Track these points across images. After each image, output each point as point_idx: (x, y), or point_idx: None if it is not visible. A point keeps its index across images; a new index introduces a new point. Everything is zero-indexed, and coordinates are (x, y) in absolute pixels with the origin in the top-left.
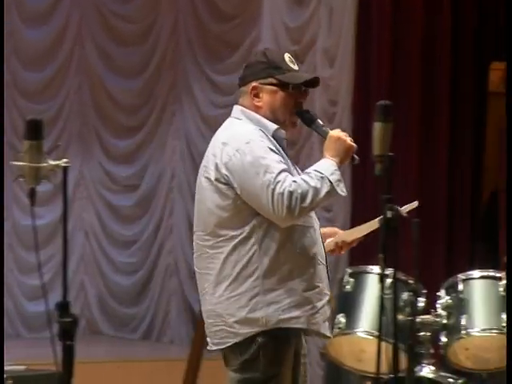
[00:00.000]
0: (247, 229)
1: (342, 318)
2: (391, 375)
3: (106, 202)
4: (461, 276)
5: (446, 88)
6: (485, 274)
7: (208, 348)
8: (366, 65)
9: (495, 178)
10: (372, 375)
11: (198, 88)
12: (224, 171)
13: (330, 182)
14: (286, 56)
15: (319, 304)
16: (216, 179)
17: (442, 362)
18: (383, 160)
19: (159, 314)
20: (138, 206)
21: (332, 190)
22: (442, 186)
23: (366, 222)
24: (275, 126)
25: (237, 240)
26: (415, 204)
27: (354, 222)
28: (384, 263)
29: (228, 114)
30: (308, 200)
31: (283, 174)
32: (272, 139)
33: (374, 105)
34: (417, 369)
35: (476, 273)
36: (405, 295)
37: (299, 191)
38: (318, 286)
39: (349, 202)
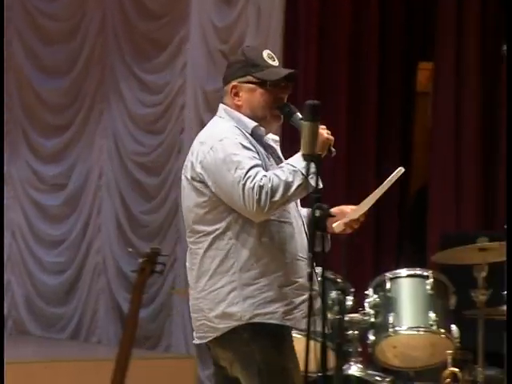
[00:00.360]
0: (223, 224)
1: None
2: (319, 374)
3: (33, 202)
4: (388, 275)
5: (374, 87)
6: (412, 272)
7: (193, 342)
8: (293, 63)
9: (422, 175)
10: (300, 373)
11: (126, 87)
12: (199, 170)
13: (302, 174)
14: (265, 53)
15: (297, 300)
16: (192, 178)
17: (370, 360)
18: (312, 159)
19: (87, 313)
20: (66, 205)
21: (305, 183)
22: (371, 185)
23: None
24: (254, 124)
25: (213, 235)
26: (401, 170)
27: None
28: (312, 262)
29: (156, 113)
30: (278, 194)
31: (254, 170)
32: (249, 136)
33: (302, 104)
34: (345, 367)
35: (403, 271)
36: (333, 294)
37: (269, 185)
38: (297, 282)
39: None
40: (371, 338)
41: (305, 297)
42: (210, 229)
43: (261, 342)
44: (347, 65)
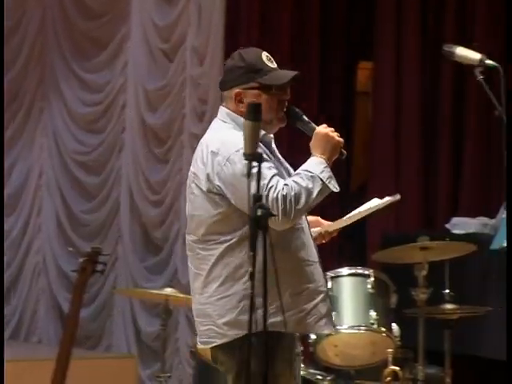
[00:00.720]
0: (239, 234)
1: None
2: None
3: None
4: (329, 273)
5: (315, 86)
6: (353, 271)
7: (197, 345)
8: None
9: (363, 174)
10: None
11: (66, 85)
12: (216, 182)
13: (321, 180)
14: (264, 55)
15: (309, 306)
16: (208, 190)
17: (312, 359)
18: (253, 159)
19: (27, 313)
20: (6, 204)
21: (324, 188)
22: None
23: None
24: (262, 132)
25: (228, 244)
26: (397, 197)
27: None
28: (254, 261)
29: (97, 113)
30: (302, 201)
31: (275, 179)
32: (261, 145)
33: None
34: None
35: (344, 270)
36: None
37: (292, 194)
38: (308, 288)
39: None
40: (312, 337)
41: (317, 300)
42: (224, 238)
43: (263, 348)
44: (288, 66)
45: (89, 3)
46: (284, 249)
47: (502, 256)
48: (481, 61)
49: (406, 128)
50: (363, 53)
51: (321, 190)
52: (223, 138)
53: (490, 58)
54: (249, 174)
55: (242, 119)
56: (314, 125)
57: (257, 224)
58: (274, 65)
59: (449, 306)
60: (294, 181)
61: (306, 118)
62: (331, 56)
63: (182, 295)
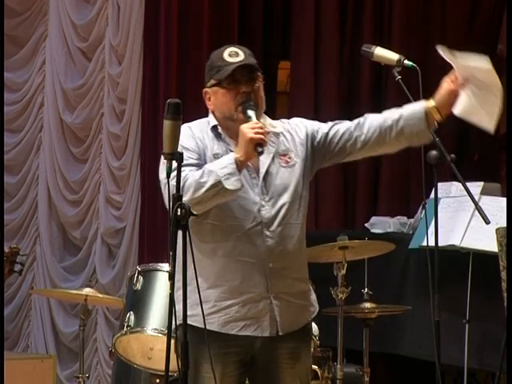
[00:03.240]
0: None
1: (131, 317)
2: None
3: None
4: None
5: None
6: None
7: None
8: (154, 62)
9: None
10: (161, 373)
11: None
12: None
13: (217, 175)
14: (227, 51)
15: (223, 304)
16: None
17: None
18: (173, 158)
19: None
20: None
21: (218, 184)
22: None
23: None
24: (212, 124)
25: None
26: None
27: (143, 219)
28: (174, 261)
29: (15, 112)
30: (189, 193)
31: (187, 169)
32: (206, 136)
33: (163, 102)
34: None
35: None
36: None
37: (183, 184)
38: (224, 286)
39: (138, 198)
40: None
41: (232, 301)
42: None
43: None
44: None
45: (7, 2)
46: (205, 243)
47: (421, 255)
48: (399, 61)
49: None
50: (284, 52)
51: (213, 184)
52: None
53: (408, 58)
54: (168, 174)
55: (209, 117)
56: (251, 119)
57: (177, 224)
58: (237, 58)
59: (367, 305)
60: (192, 172)
61: (249, 113)
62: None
63: (100, 295)
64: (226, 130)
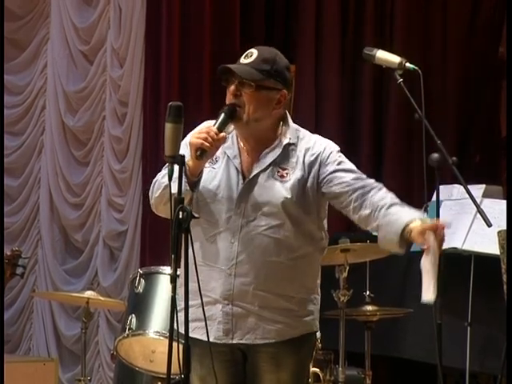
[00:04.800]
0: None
1: (133, 319)
2: (182, 376)
3: None
4: None
5: None
6: None
7: None
8: (155, 64)
9: None
10: (163, 376)
11: None
12: None
13: (163, 177)
14: (248, 51)
15: (183, 304)
16: None
17: None
18: (174, 161)
19: None
20: None
21: (167, 187)
22: None
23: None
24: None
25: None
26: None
27: (145, 222)
28: (175, 264)
29: (16, 115)
30: (152, 193)
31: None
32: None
33: (165, 105)
34: None
35: None
36: None
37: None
38: (190, 285)
39: (139, 201)
40: None
41: (191, 303)
42: None
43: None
44: (210, 66)
45: (8, 5)
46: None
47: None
48: (400, 64)
49: (325, 130)
50: (286, 55)
51: (166, 186)
52: None
53: (410, 60)
54: (170, 177)
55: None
56: (216, 123)
57: (179, 226)
58: (243, 59)
59: (369, 308)
60: (162, 172)
61: (220, 117)
62: None
63: (102, 298)
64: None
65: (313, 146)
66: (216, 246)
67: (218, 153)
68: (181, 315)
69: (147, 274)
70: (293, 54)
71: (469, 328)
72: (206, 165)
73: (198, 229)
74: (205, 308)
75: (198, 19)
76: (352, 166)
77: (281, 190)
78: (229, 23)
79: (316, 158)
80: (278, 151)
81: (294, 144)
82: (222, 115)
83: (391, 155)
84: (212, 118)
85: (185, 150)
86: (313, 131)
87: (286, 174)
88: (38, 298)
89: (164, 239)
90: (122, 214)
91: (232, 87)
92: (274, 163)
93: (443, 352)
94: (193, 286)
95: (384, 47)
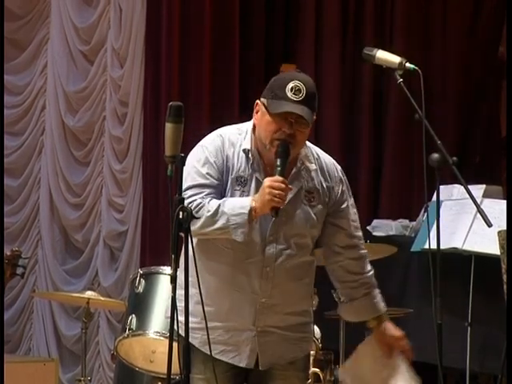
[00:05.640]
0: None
1: (133, 320)
2: (183, 376)
3: None
4: None
5: (237, 88)
6: None
7: None
8: (156, 65)
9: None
10: (163, 376)
11: None
12: None
13: (228, 221)
14: (291, 84)
15: (208, 323)
16: None
17: None
18: (175, 161)
19: None
20: None
21: (225, 229)
22: None
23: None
24: (244, 147)
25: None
26: None
27: (145, 222)
28: (175, 264)
29: (16, 115)
30: (197, 225)
31: (193, 189)
32: (235, 154)
33: (165, 105)
34: None
35: None
36: None
37: (193, 209)
38: (212, 307)
39: (140, 201)
40: None
41: (216, 324)
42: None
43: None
44: (210, 66)
45: (8, 5)
46: (207, 262)
47: (422, 258)
48: (400, 64)
49: (325, 130)
50: (286, 55)
51: (221, 227)
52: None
53: (410, 60)
54: (170, 178)
55: (248, 128)
56: (277, 169)
57: (179, 226)
58: (295, 97)
59: None
60: (210, 203)
61: (277, 162)
62: (253, 59)
63: (102, 298)
64: (260, 149)
65: (327, 169)
66: (250, 274)
67: (246, 174)
68: (181, 318)
69: (147, 274)
70: (293, 54)
71: (469, 328)
72: (236, 187)
73: (233, 254)
74: (234, 332)
75: (198, 19)
76: (355, 208)
77: (311, 216)
78: (229, 23)
79: (333, 187)
80: (303, 175)
81: (314, 167)
82: (280, 160)
83: (391, 155)
84: (212, 118)
85: (211, 169)
86: (312, 131)
87: (313, 198)
88: (38, 298)
89: (164, 239)
90: (123, 214)
91: (289, 127)
92: (301, 188)
93: (443, 352)
94: (217, 307)
95: (384, 47)
